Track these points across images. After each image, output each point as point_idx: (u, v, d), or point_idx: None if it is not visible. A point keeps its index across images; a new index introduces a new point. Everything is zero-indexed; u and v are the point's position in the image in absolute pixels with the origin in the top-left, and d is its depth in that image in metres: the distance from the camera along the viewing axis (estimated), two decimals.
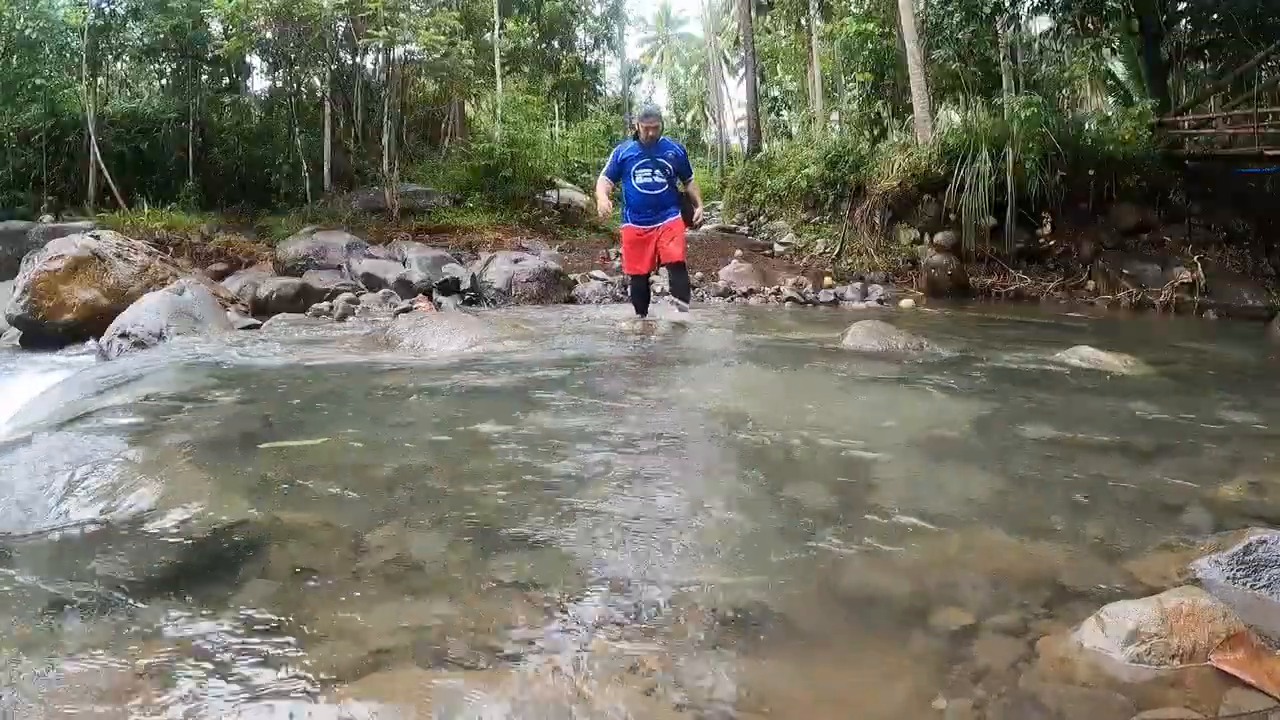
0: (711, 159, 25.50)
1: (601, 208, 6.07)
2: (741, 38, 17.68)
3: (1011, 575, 1.62)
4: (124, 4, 14.18)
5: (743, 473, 2.37)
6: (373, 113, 15.43)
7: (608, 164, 6.00)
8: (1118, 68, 17.37)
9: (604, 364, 4.16)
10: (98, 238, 8.68)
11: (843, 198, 12.70)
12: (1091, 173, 11.69)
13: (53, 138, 13.55)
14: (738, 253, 12.42)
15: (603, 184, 6.10)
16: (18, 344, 8.01)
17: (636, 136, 5.86)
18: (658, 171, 5.70)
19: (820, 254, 12.46)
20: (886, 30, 14.65)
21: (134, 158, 13.87)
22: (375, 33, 13.30)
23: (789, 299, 10.58)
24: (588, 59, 22.90)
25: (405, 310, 8.86)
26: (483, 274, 10.48)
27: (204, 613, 1.45)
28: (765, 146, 17.36)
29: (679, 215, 5.81)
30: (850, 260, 12.12)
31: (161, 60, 15.52)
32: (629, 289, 6.39)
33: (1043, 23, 15.57)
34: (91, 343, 7.01)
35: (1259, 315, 9.51)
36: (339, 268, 11.10)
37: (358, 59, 15.16)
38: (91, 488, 2.04)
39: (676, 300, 6.12)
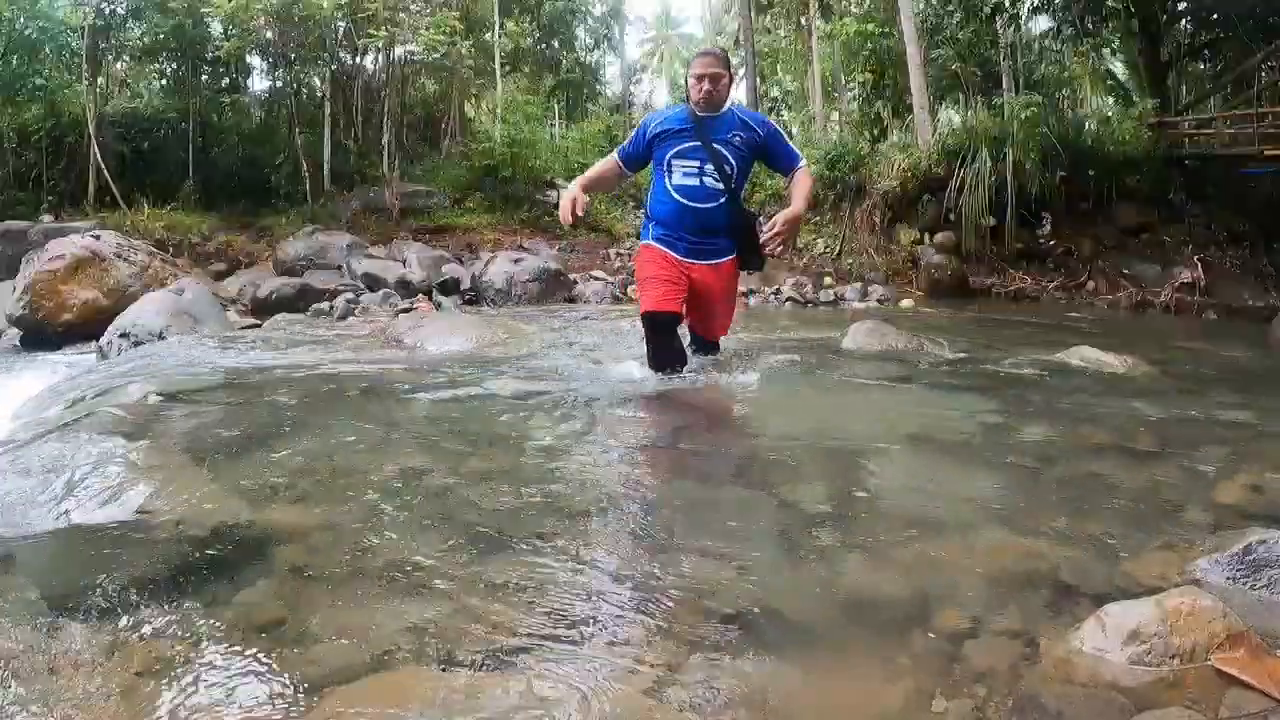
0: None
1: (563, 206, 3.38)
2: (741, 38, 17.67)
3: (1012, 575, 1.62)
4: (124, 4, 14.18)
5: (741, 473, 2.37)
6: (373, 113, 15.43)
7: (631, 136, 3.60)
8: (1118, 68, 17.39)
9: (603, 362, 4.16)
10: (98, 238, 8.69)
11: (843, 198, 12.70)
12: (1091, 173, 11.70)
13: (53, 138, 13.56)
14: None
15: (599, 166, 3.68)
16: (18, 344, 8.02)
17: (686, 100, 3.38)
18: (709, 168, 3.27)
19: (820, 254, 12.46)
20: (886, 30, 14.65)
21: (134, 158, 13.87)
22: (375, 33, 13.30)
23: (789, 299, 10.58)
24: (588, 59, 22.90)
25: (405, 310, 8.87)
26: (483, 274, 10.48)
27: (204, 613, 1.44)
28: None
29: (734, 254, 3.43)
30: (850, 260, 12.13)
31: (161, 60, 15.52)
32: (649, 348, 3.43)
33: (1043, 23, 15.59)
34: (91, 343, 7.01)
35: (1259, 315, 9.52)
36: (339, 268, 11.11)
37: (358, 59, 15.17)
38: (91, 488, 2.03)
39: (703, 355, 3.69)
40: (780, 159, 3.46)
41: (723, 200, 3.32)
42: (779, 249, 3.40)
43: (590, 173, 3.67)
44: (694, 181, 3.29)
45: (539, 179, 14.17)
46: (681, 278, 3.35)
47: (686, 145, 3.30)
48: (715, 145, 3.27)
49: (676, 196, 3.33)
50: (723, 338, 3.77)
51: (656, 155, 3.38)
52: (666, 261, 3.36)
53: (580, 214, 3.36)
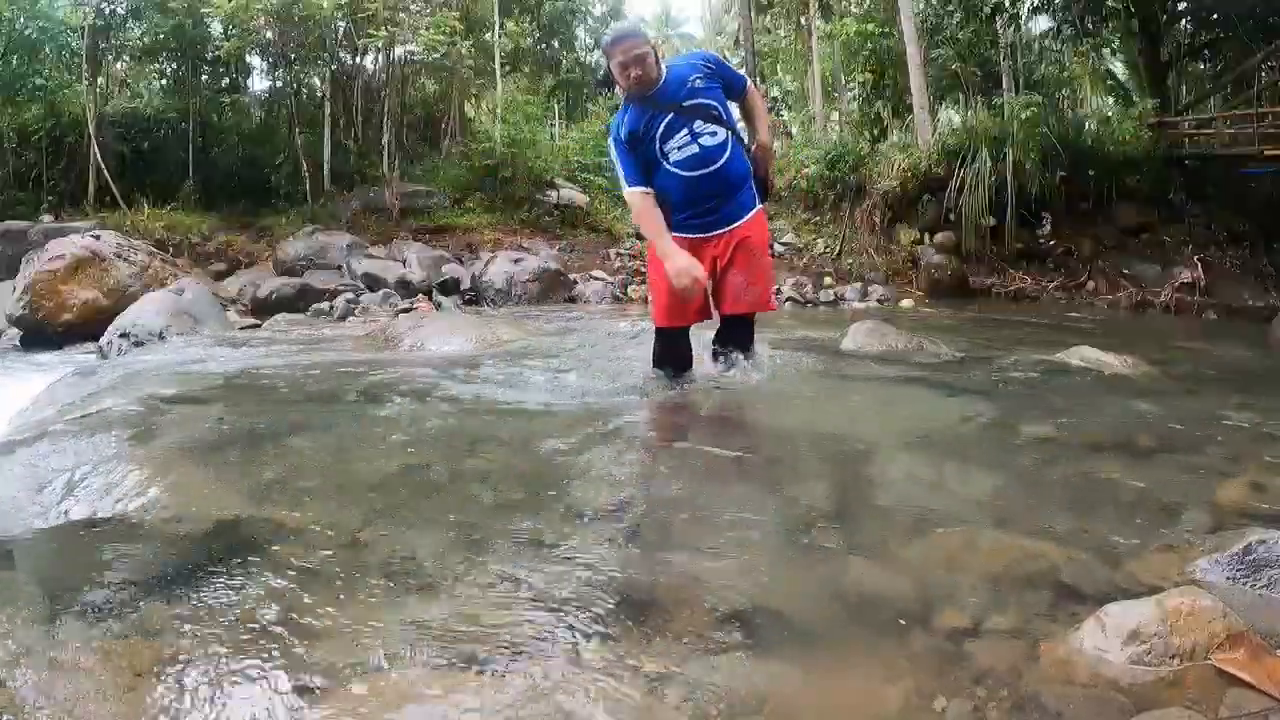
0: None
1: (676, 271, 2.94)
2: (741, 38, 17.67)
3: (1012, 575, 1.62)
4: (124, 4, 14.18)
5: (741, 473, 2.37)
6: (373, 113, 15.42)
7: (619, 166, 3.12)
8: (1118, 68, 17.38)
9: (603, 361, 4.16)
10: (98, 238, 8.70)
11: (843, 198, 12.70)
12: (1091, 173, 11.70)
13: (53, 138, 13.56)
14: None
15: (653, 212, 3.06)
16: (18, 344, 8.03)
17: (607, 84, 3.03)
18: (698, 125, 3.00)
19: (820, 254, 12.46)
20: (886, 30, 14.65)
21: (134, 158, 13.87)
22: (375, 33, 13.30)
23: (789, 299, 10.58)
24: (588, 59, 22.91)
25: (405, 310, 8.88)
26: (483, 274, 10.49)
27: (204, 611, 1.44)
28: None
29: (760, 204, 3.20)
30: (850, 260, 12.13)
31: (161, 60, 15.52)
32: (656, 348, 3.33)
33: (1043, 23, 15.59)
34: (91, 343, 7.02)
35: (1259, 315, 9.51)
36: (339, 268, 11.11)
37: (358, 59, 15.16)
38: (91, 488, 2.03)
39: (724, 365, 3.34)
40: (732, 84, 3.19)
41: (729, 147, 3.05)
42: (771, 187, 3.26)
43: (659, 225, 3.06)
44: (692, 150, 3.02)
45: (539, 179, 14.16)
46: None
47: (663, 125, 3.01)
48: (686, 104, 3.00)
49: (683, 173, 3.05)
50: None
51: (648, 158, 3.08)
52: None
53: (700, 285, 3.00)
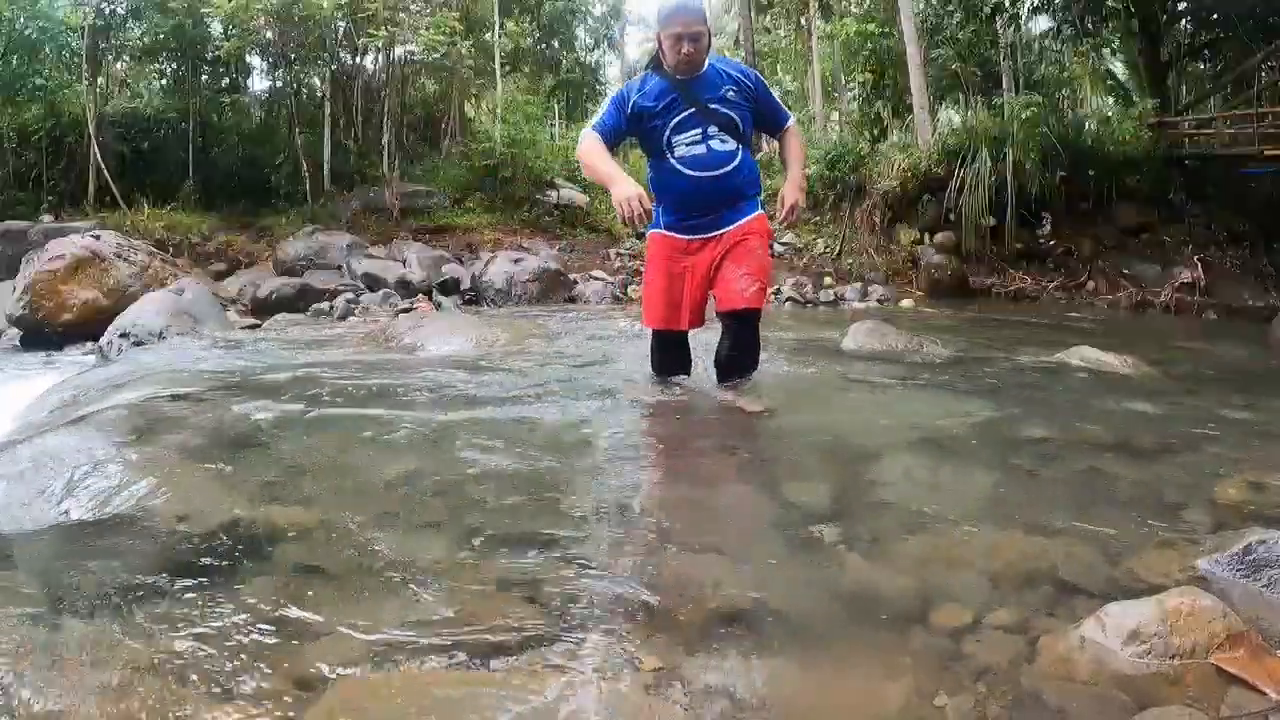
0: None
1: (631, 207, 2.68)
2: (741, 38, 17.69)
3: (1012, 574, 1.62)
4: (124, 4, 14.18)
5: (741, 472, 2.37)
6: (373, 113, 15.42)
7: (602, 112, 3.05)
8: (1118, 68, 17.39)
9: (604, 362, 4.16)
10: (98, 238, 8.69)
11: (843, 198, 12.70)
12: (1091, 173, 11.70)
13: (53, 138, 13.56)
14: None
15: (601, 149, 2.95)
16: (18, 344, 8.02)
17: (657, 66, 3.00)
18: (713, 130, 2.93)
19: (820, 254, 12.46)
20: (886, 30, 14.66)
21: (134, 158, 13.86)
22: (375, 33, 13.30)
23: (789, 299, 10.59)
24: (588, 59, 22.92)
25: (405, 310, 8.88)
26: (483, 274, 10.49)
27: (205, 610, 1.45)
28: (765, 146, 17.34)
29: (760, 209, 3.09)
30: (850, 260, 12.13)
31: (161, 60, 15.52)
32: (652, 349, 3.31)
33: (1043, 23, 15.59)
34: (91, 343, 7.02)
35: (1259, 315, 9.52)
36: (339, 268, 11.11)
37: (358, 59, 15.16)
38: (91, 488, 2.03)
39: (732, 381, 3.14)
40: (768, 115, 3.13)
41: (737, 158, 2.97)
42: (794, 219, 3.11)
43: (604, 157, 2.97)
44: (699, 150, 2.94)
45: (539, 179, 14.16)
46: (692, 270, 3.05)
47: (679, 118, 2.93)
48: (713, 106, 2.92)
49: (687, 172, 2.96)
50: (716, 337, 3.27)
51: (650, 144, 3.01)
52: (674, 256, 3.07)
53: (646, 215, 2.75)
